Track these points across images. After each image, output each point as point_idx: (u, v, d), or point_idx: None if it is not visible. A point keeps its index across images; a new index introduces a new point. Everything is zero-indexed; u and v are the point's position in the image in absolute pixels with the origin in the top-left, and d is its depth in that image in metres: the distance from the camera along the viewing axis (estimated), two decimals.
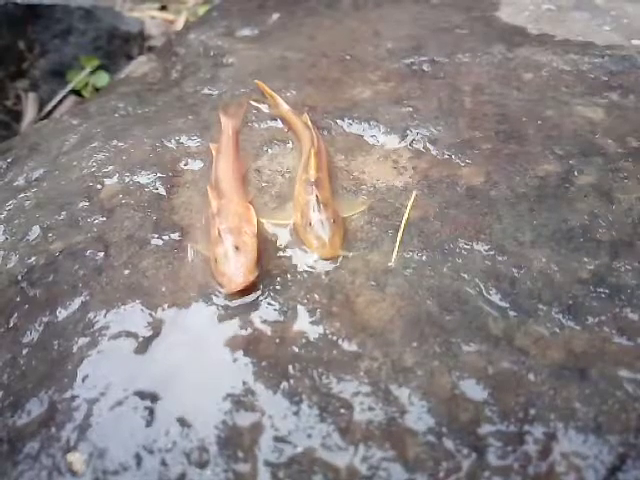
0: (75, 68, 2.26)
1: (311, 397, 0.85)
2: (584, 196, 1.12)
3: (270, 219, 1.12)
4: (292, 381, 0.87)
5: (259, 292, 0.98)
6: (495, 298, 0.96)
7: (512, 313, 0.94)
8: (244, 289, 0.96)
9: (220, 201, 1.09)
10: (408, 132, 1.31)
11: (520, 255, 1.02)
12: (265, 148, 1.32)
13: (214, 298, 0.99)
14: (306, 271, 1.02)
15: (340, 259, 1.03)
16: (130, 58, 2.34)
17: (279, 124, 1.39)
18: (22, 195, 1.26)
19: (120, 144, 1.36)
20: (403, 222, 1.09)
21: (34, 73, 2.22)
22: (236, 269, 0.96)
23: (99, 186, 1.24)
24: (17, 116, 2.17)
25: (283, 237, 1.09)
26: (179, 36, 2.03)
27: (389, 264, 1.02)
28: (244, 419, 0.84)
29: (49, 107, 2.20)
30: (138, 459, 0.81)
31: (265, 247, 1.05)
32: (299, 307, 0.96)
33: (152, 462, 0.81)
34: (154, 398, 0.87)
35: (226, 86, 1.59)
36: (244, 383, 0.87)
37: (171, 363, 0.91)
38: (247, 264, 0.97)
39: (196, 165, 1.28)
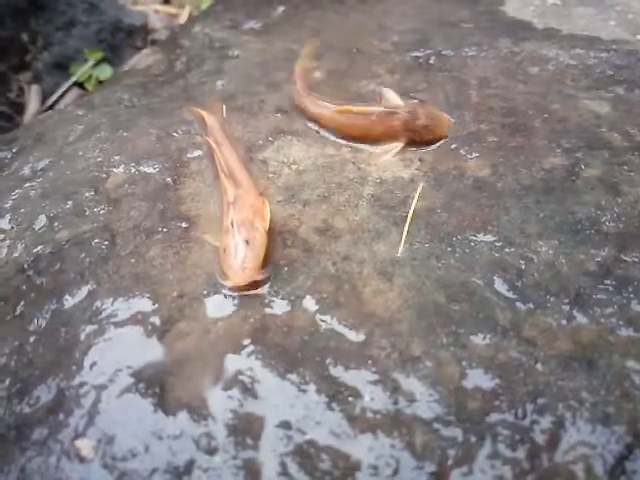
0: (78, 61, 2.24)
1: (319, 385, 0.85)
2: (590, 189, 1.12)
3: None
4: (300, 369, 0.87)
5: (264, 286, 0.98)
6: (502, 289, 0.96)
7: (519, 304, 0.94)
8: (249, 284, 0.96)
9: (237, 191, 1.08)
10: None
11: (527, 247, 1.02)
12: (271, 139, 1.31)
13: (221, 287, 0.98)
14: (313, 261, 1.02)
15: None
16: (134, 51, 2.33)
17: (284, 115, 1.39)
18: (28, 185, 1.26)
19: (125, 134, 1.36)
20: (410, 213, 1.09)
21: (37, 65, 2.21)
22: (243, 265, 0.95)
23: (105, 176, 1.24)
24: (20, 108, 2.15)
25: (290, 226, 1.09)
26: (184, 29, 2.02)
27: (396, 255, 1.03)
28: (252, 406, 0.84)
29: (52, 99, 2.19)
30: (147, 445, 0.81)
31: (274, 238, 1.05)
32: (307, 297, 0.96)
33: (161, 448, 0.81)
34: (162, 385, 0.87)
35: (231, 78, 1.59)
36: (252, 371, 0.87)
37: (179, 351, 0.91)
38: (255, 261, 0.96)
39: (202, 156, 1.28)
